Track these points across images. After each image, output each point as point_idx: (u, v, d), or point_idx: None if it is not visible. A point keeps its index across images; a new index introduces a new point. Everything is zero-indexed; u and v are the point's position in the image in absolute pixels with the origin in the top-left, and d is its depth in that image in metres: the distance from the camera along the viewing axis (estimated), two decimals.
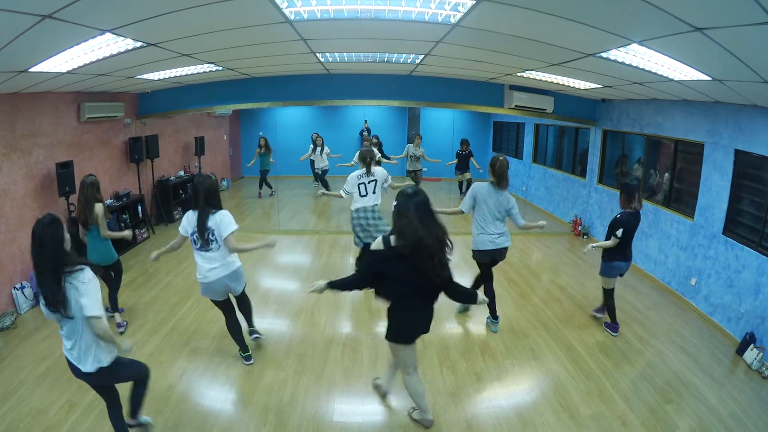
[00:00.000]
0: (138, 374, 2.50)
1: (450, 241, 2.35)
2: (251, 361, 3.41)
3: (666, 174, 5.46)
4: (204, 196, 2.97)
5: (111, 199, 5.88)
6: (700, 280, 4.53)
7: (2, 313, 3.98)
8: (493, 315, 4.06)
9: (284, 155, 9.96)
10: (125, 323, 3.92)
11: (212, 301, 3.27)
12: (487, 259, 3.83)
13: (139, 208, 6.43)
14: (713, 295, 4.31)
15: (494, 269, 3.95)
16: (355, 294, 4.61)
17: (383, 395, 3.03)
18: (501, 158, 3.66)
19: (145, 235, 6.50)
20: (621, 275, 3.99)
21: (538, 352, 3.70)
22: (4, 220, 4.09)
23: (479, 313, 4.37)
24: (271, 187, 9.60)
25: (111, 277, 3.87)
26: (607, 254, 3.88)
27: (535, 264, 5.87)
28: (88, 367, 2.17)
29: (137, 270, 5.32)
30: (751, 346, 3.61)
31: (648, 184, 5.75)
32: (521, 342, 3.84)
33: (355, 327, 4.04)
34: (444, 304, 4.39)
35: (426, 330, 2.56)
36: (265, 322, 4.13)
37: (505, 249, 3.81)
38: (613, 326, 4.05)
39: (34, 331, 3.86)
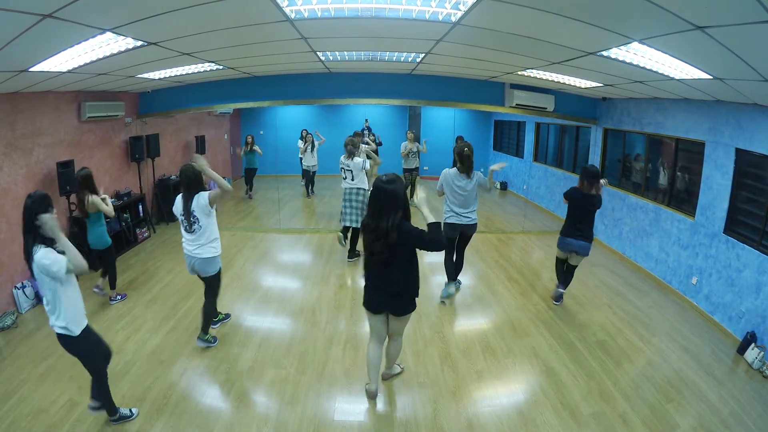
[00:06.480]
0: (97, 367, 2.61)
1: (399, 225, 2.51)
2: (202, 344, 3.64)
3: (660, 169, 5.47)
4: (186, 185, 3.33)
5: (112, 198, 5.88)
6: (701, 279, 4.53)
7: (3, 312, 3.99)
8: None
9: (285, 154, 9.95)
10: (118, 297, 4.40)
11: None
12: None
13: (140, 207, 6.44)
14: (714, 294, 4.31)
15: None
16: (357, 293, 4.63)
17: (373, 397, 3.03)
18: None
19: (146, 234, 6.51)
20: (576, 253, 4.28)
21: (539, 350, 3.70)
22: (5, 220, 4.10)
23: (479, 313, 4.37)
24: (250, 188, 9.69)
25: (104, 260, 4.32)
26: (563, 229, 4.34)
27: (536, 263, 5.87)
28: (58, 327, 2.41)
29: (138, 269, 5.32)
30: (752, 345, 3.61)
31: (652, 183, 5.74)
32: (522, 341, 3.84)
33: (356, 326, 4.04)
34: (441, 302, 4.43)
35: (388, 306, 2.75)
36: (266, 320, 4.14)
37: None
38: (557, 292, 4.52)
39: (35, 330, 3.87)
